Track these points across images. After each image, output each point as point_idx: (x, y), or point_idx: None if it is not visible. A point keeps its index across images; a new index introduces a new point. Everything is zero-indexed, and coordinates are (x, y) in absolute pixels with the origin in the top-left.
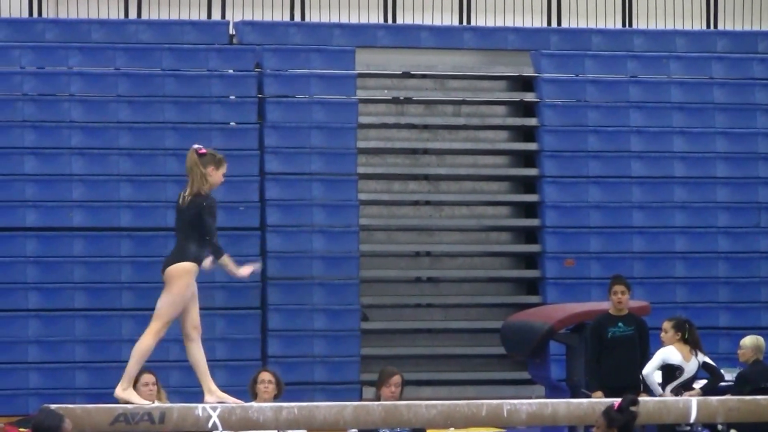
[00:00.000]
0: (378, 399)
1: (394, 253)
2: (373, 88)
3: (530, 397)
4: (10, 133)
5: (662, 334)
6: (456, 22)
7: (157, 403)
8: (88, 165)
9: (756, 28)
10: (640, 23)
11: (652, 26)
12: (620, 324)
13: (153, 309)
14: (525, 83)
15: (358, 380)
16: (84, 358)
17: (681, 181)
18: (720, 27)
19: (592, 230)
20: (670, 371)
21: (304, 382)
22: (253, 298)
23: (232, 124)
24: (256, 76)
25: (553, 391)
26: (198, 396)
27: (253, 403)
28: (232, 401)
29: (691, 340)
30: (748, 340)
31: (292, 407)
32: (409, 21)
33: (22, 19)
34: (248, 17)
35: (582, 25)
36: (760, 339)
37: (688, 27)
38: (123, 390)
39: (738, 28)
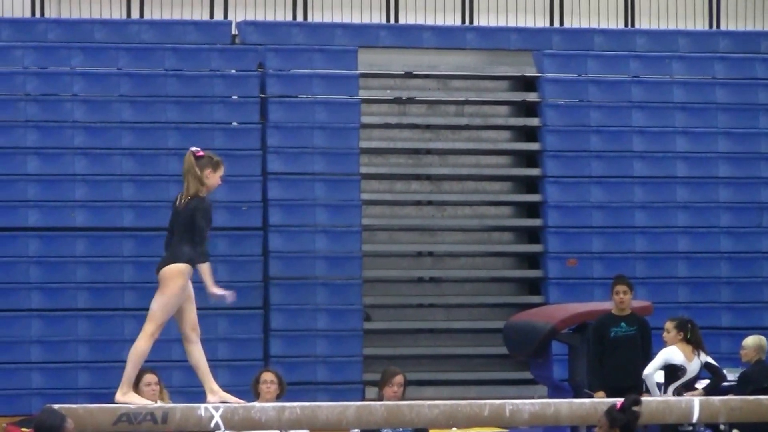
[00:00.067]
0: (380, 399)
1: (396, 253)
2: (376, 88)
3: (532, 397)
4: (13, 133)
5: (664, 334)
6: (458, 22)
7: (159, 403)
8: (91, 165)
9: (759, 28)
10: (642, 23)
11: (654, 26)
12: (623, 324)
13: None
14: (527, 83)
15: (361, 380)
16: (86, 358)
17: (683, 181)
18: (723, 27)
19: (594, 230)
20: (672, 371)
21: (306, 382)
22: (255, 298)
23: (235, 124)
24: (259, 76)
25: (556, 391)
26: (200, 396)
27: (256, 403)
28: (235, 401)
29: (693, 340)
30: (751, 340)
31: (294, 407)
32: (411, 21)
33: (24, 19)
34: (251, 17)
35: (584, 25)
36: (763, 339)
37: (690, 27)
38: (123, 394)
39: (741, 28)
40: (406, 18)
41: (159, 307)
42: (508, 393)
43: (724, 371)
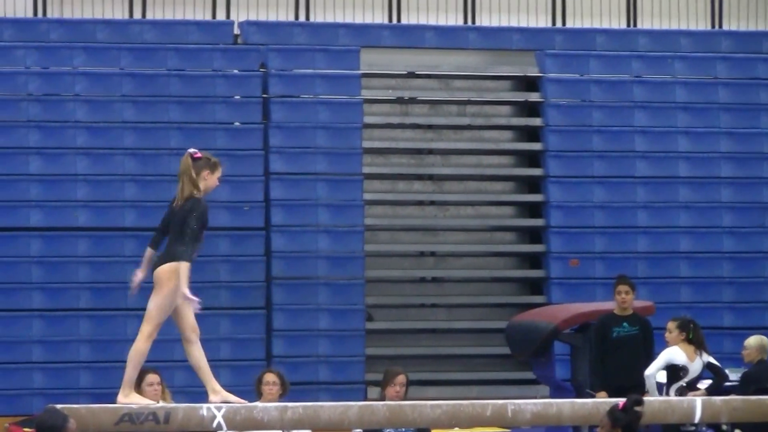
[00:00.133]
0: (383, 399)
1: (398, 253)
2: (378, 88)
3: (535, 397)
4: (15, 133)
5: (667, 334)
6: (460, 22)
7: (161, 403)
8: (93, 165)
9: (761, 28)
10: (644, 23)
11: (656, 26)
12: (625, 324)
13: None
14: (529, 83)
15: (363, 380)
16: (88, 358)
17: (685, 181)
18: (725, 27)
19: (596, 230)
20: (674, 371)
21: (308, 382)
22: (257, 298)
23: (237, 124)
24: (261, 76)
25: (558, 391)
26: (203, 396)
27: (258, 403)
28: (237, 401)
29: (695, 340)
30: (753, 340)
31: (296, 407)
32: (413, 21)
33: (26, 19)
34: (253, 17)
35: (587, 25)
36: (765, 339)
37: (692, 27)
38: (125, 396)
39: (743, 28)
40: (409, 18)
41: (155, 307)
42: (510, 393)
43: (727, 371)
